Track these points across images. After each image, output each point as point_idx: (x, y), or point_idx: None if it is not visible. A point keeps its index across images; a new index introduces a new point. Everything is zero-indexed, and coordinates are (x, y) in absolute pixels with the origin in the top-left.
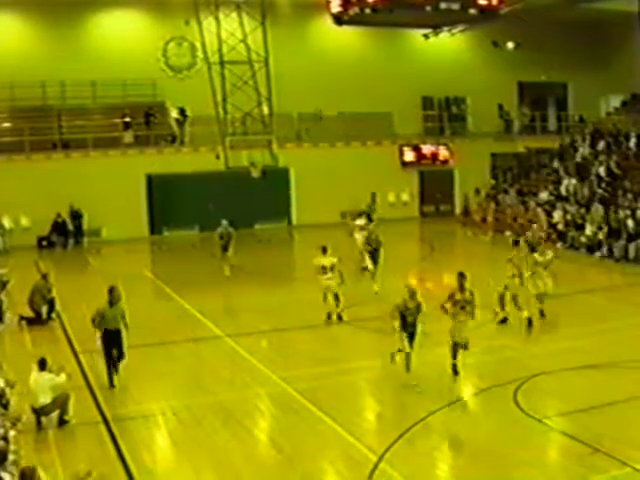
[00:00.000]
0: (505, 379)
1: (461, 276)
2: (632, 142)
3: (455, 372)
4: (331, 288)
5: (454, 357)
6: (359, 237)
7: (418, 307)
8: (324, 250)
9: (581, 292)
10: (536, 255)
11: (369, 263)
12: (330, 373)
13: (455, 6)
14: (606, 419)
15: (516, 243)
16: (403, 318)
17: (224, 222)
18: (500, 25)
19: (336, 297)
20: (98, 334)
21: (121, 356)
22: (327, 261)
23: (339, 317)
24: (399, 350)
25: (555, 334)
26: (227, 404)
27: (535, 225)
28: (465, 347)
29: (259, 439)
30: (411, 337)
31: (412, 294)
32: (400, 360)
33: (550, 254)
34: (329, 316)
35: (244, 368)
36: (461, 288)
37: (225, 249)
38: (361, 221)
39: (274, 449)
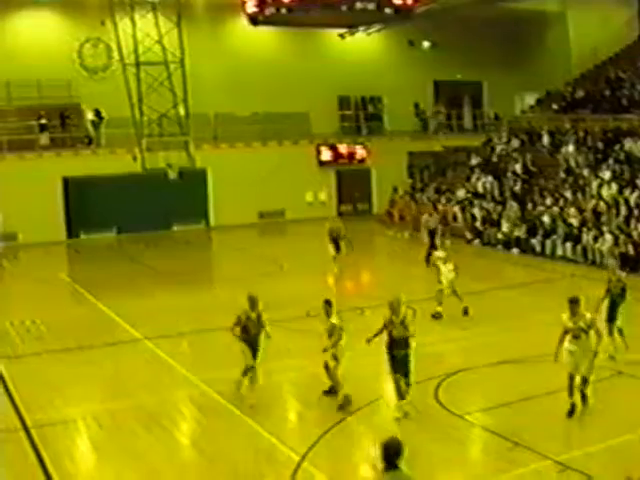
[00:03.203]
0: (425, 376)
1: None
2: (545, 140)
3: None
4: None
5: (571, 394)
6: (447, 273)
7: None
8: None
9: (498, 288)
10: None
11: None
12: None
13: (371, 6)
14: (525, 413)
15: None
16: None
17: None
18: (416, 24)
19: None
20: None
21: None
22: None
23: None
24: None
25: (473, 330)
26: (148, 407)
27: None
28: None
29: (181, 442)
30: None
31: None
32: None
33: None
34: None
35: (164, 370)
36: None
37: None
38: (442, 253)
39: (196, 451)
